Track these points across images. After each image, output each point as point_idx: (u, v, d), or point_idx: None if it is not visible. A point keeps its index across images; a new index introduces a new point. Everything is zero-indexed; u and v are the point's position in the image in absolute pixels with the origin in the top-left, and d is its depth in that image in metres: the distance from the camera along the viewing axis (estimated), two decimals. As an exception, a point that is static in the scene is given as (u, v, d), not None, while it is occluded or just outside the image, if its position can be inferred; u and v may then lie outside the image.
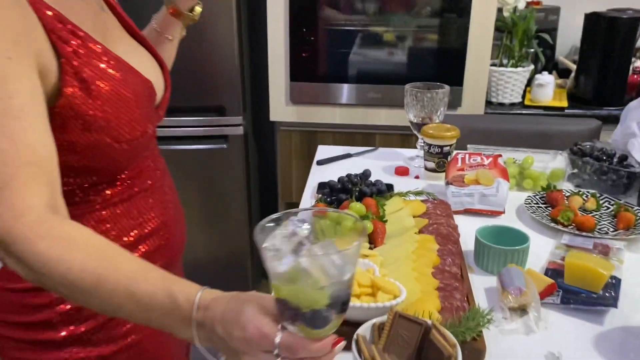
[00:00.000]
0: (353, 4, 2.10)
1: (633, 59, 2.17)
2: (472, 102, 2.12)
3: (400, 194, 1.22)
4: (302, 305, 0.56)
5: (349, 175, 1.17)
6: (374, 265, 0.86)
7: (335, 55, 2.18)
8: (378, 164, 1.53)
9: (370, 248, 1.01)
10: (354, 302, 0.77)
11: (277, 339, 0.57)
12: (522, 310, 0.87)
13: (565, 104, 2.20)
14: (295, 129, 2.29)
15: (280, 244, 0.59)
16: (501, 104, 2.24)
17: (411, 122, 1.48)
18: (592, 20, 2.14)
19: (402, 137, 2.23)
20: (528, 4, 2.26)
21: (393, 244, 1.00)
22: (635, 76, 2.26)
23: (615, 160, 1.36)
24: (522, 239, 1.01)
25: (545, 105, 2.20)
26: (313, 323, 0.57)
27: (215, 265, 2.32)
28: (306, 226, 0.62)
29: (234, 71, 2.11)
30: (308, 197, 1.33)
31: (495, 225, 1.05)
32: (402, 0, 2.07)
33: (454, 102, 2.08)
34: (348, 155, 1.58)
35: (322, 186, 1.33)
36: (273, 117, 2.25)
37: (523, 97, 2.28)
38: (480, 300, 0.92)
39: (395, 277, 0.88)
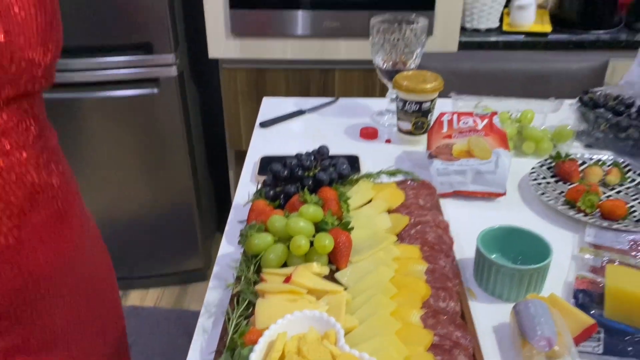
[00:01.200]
0: None
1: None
2: (445, 29, 1.79)
3: (370, 176, 0.92)
4: None
5: (299, 157, 0.85)
6: (337, 326, 0.56)
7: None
8: (338, 123, 1.21)
9: (332, 271, 0.72)
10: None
11: None
12: (550, 368, 0.61)
13: (548, 28, 1.90)
14: (240, 67, 1.95)
15: None
16: (476, 30, 1.92)
17: (379, 69, 1.15)
18: None
19: (365, 74, 1.92)
20: None
21: (363, 268, 0.71)
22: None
23: (634, 111, 1.07)
24: (541, 248, 0.73)
25: (526, 31, 1.89)
26: None
27: (161, 219, 2.06)
28: None
29: (160, -2, 1.71)
30: (247, 178, 1.01)
31: (502, 227, 0.77)
32: None
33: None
34: (299, 113, 1.24)
35: (265, 164, 1.01)
36: (212, 53, 1.89)
37: (501, 21, 1.97)
38: (490, 354, 0.65)
39: (369, 333, 0.60)
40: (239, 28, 1.85)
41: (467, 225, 0.85)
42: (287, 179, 0.85)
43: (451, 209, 0.90)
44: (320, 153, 0.87)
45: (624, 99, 1.08)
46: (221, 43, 1.87)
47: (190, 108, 1.97)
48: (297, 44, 1.87)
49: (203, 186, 2.13)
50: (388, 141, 1.13)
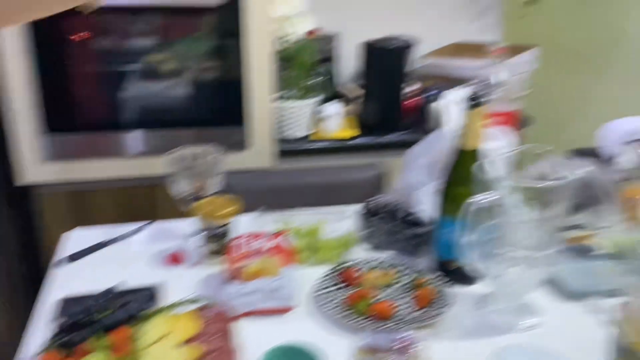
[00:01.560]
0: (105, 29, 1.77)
1: (405, 85, 2.18)
2: (259, 141, 1.94)
3: (167, 308, 0.96)
4: None
5: (91, 298, 0.87)
6: None
7: (101, 98, 1.84)
8: (149, 249, 1.24)
9: (118, 420, 0.73)
10: None
11: None
12: None
13: (353, 133, 2.15)
14: (59, 190, 1.90)
15: None
16: (287, 140, 2.09)
17: (181, 198, 1.22)
18: (366, 49, 2.12)
19: (189, 188, 1.97)
20: (308, 33, 2.15)
21: (148, 411, 0.74)
22: (410, 101, 2.29)
23: (401, 216, 1.25)
24: (314, 361, 0.82)
25: (334, 138, 2.12)
26: None
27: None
28: None
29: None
30: (42, 323, 0.99)
31: (281, 347, 0.85)
32: (169, 32, 1.81)
33: (239, 144, 1.91)
34: (103, 245, 1.25)
35: (67, 305, 1.01)
36: (25, 179, 1.83)
37: (314, 128, 2.18)
38: None
39: None
40: (55, 152, 1.83)
41: (263, 343, 0.90)
42: (79, 324, 0.86)
43: (247, 330, 0.97)
44: (111, 293, 0.90)
45: (392, 207, 1.26)
46: (35, 167, 1.83)
47: (2, 240, 1.86)
48: (121, 163, 1.89)
49: (17, 325, 1.97)
50: (195, 264, 1.18)
